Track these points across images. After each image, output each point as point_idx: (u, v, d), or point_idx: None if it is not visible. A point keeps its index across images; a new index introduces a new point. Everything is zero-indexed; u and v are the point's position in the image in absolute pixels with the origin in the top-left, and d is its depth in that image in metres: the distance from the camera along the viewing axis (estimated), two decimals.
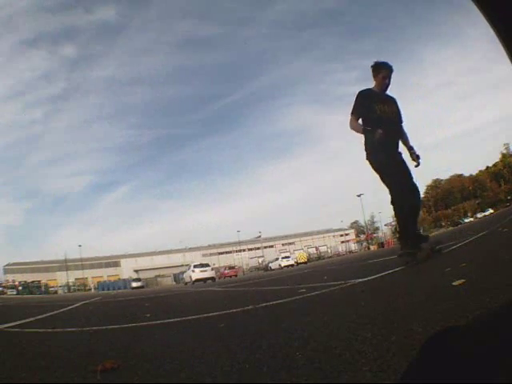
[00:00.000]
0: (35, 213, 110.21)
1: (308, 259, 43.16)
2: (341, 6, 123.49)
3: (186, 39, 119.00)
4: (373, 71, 4.01)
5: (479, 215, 61.50)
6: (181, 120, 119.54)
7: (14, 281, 55.84)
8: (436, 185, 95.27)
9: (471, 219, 59.10)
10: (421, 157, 4.08)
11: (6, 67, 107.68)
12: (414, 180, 3.96)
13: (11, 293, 41.76)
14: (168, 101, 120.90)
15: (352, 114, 4.02)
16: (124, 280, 50.65)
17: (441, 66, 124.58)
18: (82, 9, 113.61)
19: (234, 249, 72.42)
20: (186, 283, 27.15)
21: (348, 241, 68.92)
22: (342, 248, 57.76)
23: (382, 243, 48.26)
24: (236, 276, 31.98)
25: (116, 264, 73.27)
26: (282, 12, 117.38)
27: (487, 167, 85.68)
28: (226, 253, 73.83)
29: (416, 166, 4.01)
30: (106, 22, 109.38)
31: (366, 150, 3.96)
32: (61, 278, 60.60)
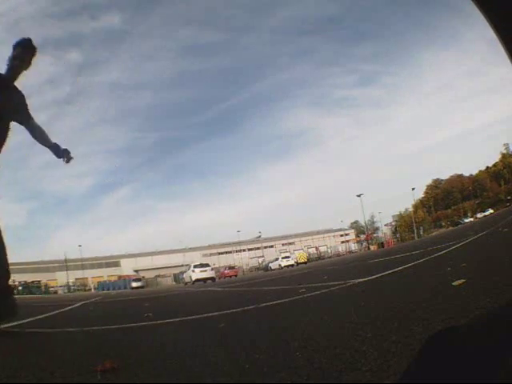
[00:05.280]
0: (37, 213, 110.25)
1: (308, 259, 43.11)
2: (339, 12, 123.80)
3: (189, 45, 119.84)
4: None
5: (479, 215, 61.45)
6: (182, 123, 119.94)
7: (13, 281, 55.80)
8: (436, 185, 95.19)
9: (471, 219, 59.05)
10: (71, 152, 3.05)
11: None
12: None
13: None
14: (170, 104, 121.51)
15: None
16: (124, 280, 50.61)
17: (440, 68, 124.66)
18: (88, 16, 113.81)
19: (234, 249, 72.40)
20: (186, 283, 27.14)
21: (348, 241, 68.90)
22: (341, 248, 57.72)
23: (382, 243, 48.24)
24: (236, 276, 31.97)
25: (116, 264, 73.22)
26: (281, 19, 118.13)
27: (487, 167, 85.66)
28: (226, 253, 73.77)
29: (67, 162, 3.04)
30: (110, 28, 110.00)
31: None
32: (61, 278, 60.57)
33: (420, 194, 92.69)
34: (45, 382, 1.20)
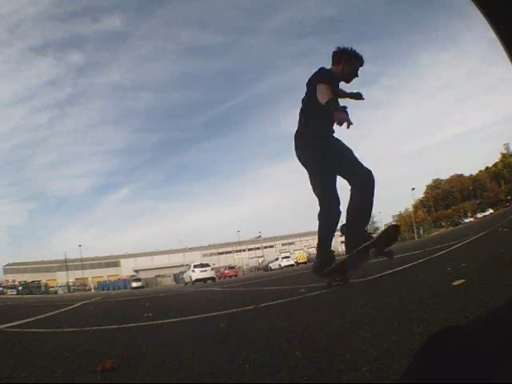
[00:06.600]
0: (38, 214, 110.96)
1: (308, 259, 43.10)
2: (339, 14, 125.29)
3: (189, 47, 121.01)
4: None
5: (479, 215, 61.40)
6: (183, 123, 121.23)
7: (14, 281, 55.90)
8: (436, 185, 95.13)
9: (471, 219, 59.00)
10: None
11: (14, 73, 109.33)
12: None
13: (11, 293, 41.75)
14: (171, 105, 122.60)
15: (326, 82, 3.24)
16: (124, 280, 50.56)
17: (439, 69, 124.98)
18: (90, 18, 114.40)
19: (234, 249, 72.40)
20: (186, 283, 27.14)
21: None
22: (341, 248, 57.67)
23: None
24: (236, 276, 31.97)
25: (116, 264, 73.29)
26: (282, 21, 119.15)
27: (487, 167, 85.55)
28: (226, 253, 73.79)
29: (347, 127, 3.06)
30: (112, 30, 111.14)
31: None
32: (61, 278, 60.65)
33: (420, 194, 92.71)
34: (45, 382, 1.20)
